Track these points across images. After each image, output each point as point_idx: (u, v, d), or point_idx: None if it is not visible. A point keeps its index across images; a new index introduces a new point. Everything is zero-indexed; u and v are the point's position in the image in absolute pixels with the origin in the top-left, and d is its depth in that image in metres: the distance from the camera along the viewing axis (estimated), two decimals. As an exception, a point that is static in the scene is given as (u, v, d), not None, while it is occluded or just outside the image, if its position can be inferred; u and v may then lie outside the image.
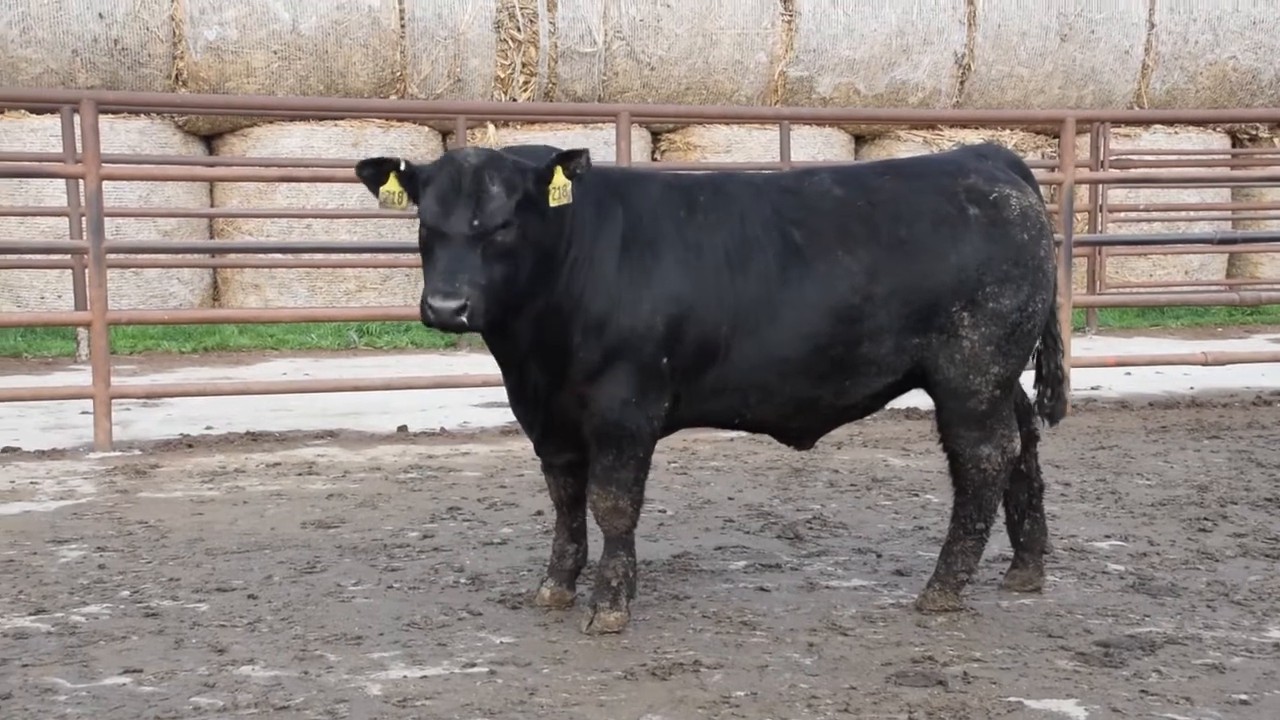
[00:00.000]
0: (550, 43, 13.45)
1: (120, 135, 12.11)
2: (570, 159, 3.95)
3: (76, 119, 7.88)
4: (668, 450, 7.06)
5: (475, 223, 3.83)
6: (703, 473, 6.55)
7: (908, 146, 14.68)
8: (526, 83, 13.49)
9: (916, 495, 5.99)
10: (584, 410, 4.10)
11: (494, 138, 13.35)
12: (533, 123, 13.49)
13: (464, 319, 3.79)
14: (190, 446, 7.20)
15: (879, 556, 4.97)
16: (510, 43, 13.39)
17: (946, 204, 4.20)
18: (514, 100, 13.41)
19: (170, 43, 12.37)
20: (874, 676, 3.65)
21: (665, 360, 4.06)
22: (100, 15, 12.04)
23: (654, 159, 13.97)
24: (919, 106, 14.59)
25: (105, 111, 7.65)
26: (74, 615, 4.21)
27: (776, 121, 12.21)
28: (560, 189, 3.96)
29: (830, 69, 14.32)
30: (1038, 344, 4.49)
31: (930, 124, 14.42)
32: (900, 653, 3.85)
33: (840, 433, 7.60)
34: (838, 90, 14.40)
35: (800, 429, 4.43)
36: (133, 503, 5.87)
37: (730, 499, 5.95)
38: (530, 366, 4.16)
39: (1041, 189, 13.87)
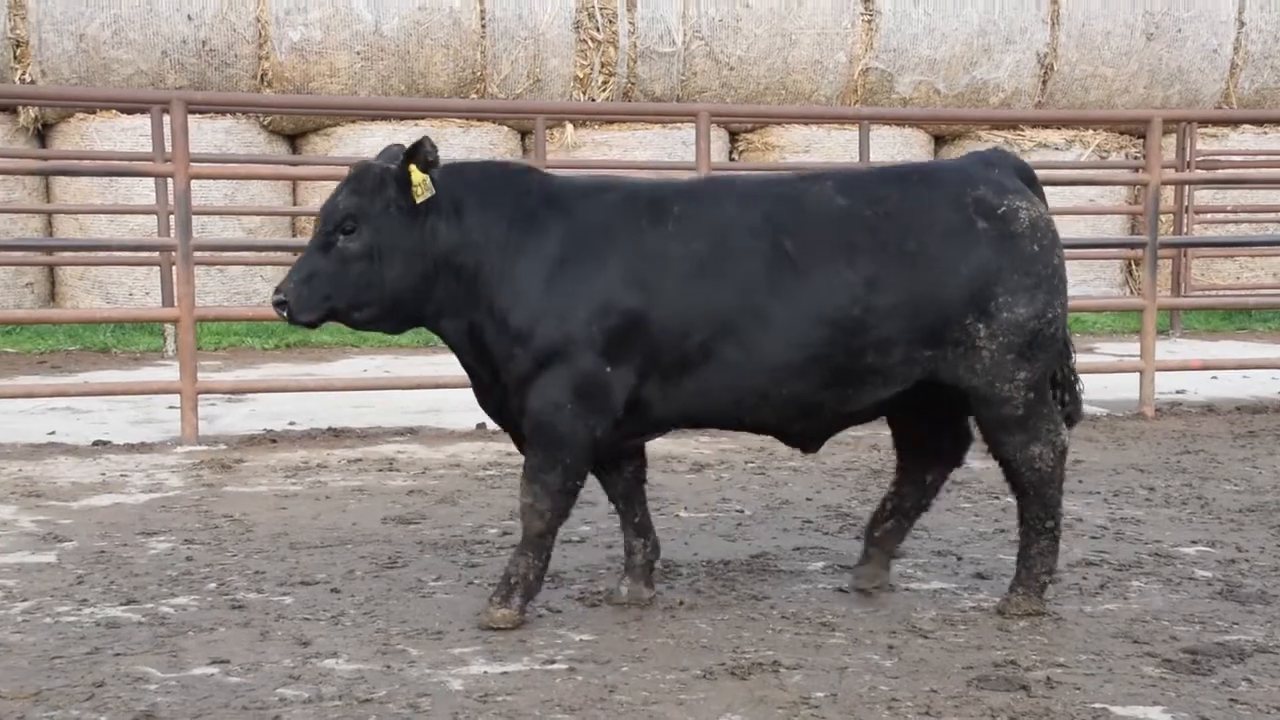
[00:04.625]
0: (629, 43, 13.47)
1: (207, 135, 12.28)
2: (416, 153, 4.08)
3: (165, 119, 8.00)
4: (744, 450, 7.05)
5: (322, 227, 4.13)
6: (780, 473, 6.53)
7: (988, 147, 14.53)
8: (605, 83, 13.51)
9: (997, 498, 5.93)
10: (521, 413, 4.14)
11: (572, 138, 13.40)
12: (611, 122, 13.52)
13: (284, 314, 4.12)
14: (274, 442, 7.29)
15: (959, 559, 4.93)
16: (589, 43, 13.43)
17: (955, 216, 4.14)
18: (592, 100, 13.44)
19: (256, 44, 12.54)
20: (955, 680, 3.62)
21: (609, 369, 4.05)
22: (189, 17, 12.23)
23: (732, 159, 13.95)
24: (1000, 107, 14.45)
25: (194, 112, 7.77)
26: (163, 606, 4.28)
27: (856, 122, 12.16)
28: (421, 184, 4.09)
29: (910, 69, 14.21)
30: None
31: (1012, 124, 14.27)
32: (982, 656, 3.82)
33: (919, 434, 7.55)
34: (918, 90, 14.30)
35: (803, 433, 4.39)
36: (218, 496, 5.96)
37: (808, 500, 5.93)
38: (483, 374, 4.24)
39: (1126, 190, 13.65)
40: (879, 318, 4.07)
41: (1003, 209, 4.15)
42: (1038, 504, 4.27)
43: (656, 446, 7.15)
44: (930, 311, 4.08)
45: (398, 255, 4.12)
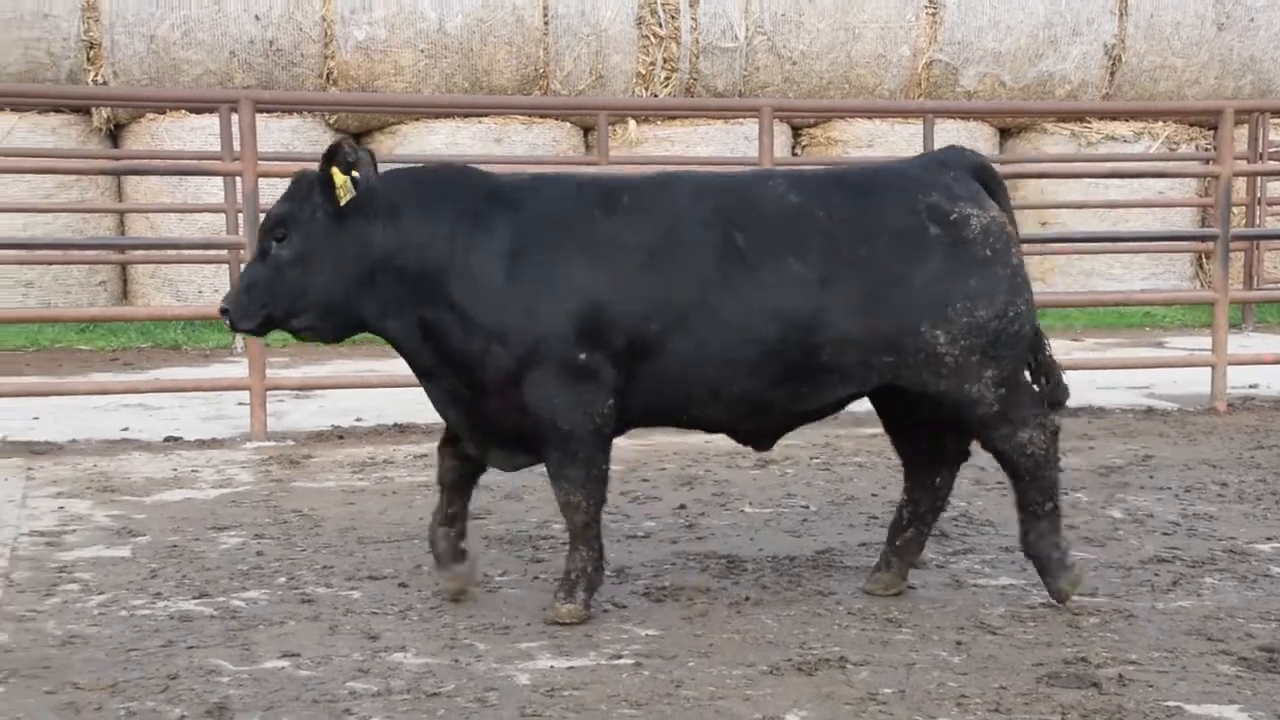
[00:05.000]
0: (691, 38, 13.45)
1: (274, 133, 12.39)
2: (334, 156, 4.11)
3: (233, 118, 8.09)
4: (809, 446, 7.02)
5: (260, 236, 4.24)
6: (845, 469, 6.50)
7: (1054, 139, 14.40)
8: (668, 78, 13.50)
9: (1065, 494, 5.83)
10: (525, 416, 4.12)
11: (634, 134, 13.41)
12: (673, 118, 13.51)
13: (228, 321, 4.23)
14: (341, 438, 7.35)
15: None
16: (652, 39, 13.42)
17: (908, 224, 4.11)
18: (655, 96, 13.43)
19: (322, 43, 12.64)
20: (1025, 677, 3.59)
21: (584, 356, 4.04)
22: (256, 17, 12.35)
23: (794, 154, 13.90)
24: (1066, 99, 14.28)
25: (261, 111, 7.85)
26: (234, 600, 4.33)
27: (919, 115, 12.06)
28: (343, 186, 4.10)
29: (975, 61, 14.09)
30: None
31: (1079, 116, 14.12)
32: (1052, 653, 3.78)
33: (986, 430, 7.49)
34: (982, 83, 14.17)
35: (755, 431, 4.36)
36: (287, 492, 6.01)
37: (874, 495, 5.90)
38: (447, 376, 4.21)
39: (1196, 182, 13.44)
40: (834, 316, 4.04)
41: (954, 216, 4.12)
42: (1034, 488, 4.24)
43: (723, 443, 7.14)
44: (885, 319, 4.05)
45: (327, 260, 4.13)
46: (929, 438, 4.43)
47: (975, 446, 4.47)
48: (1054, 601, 4.25)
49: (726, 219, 4.11)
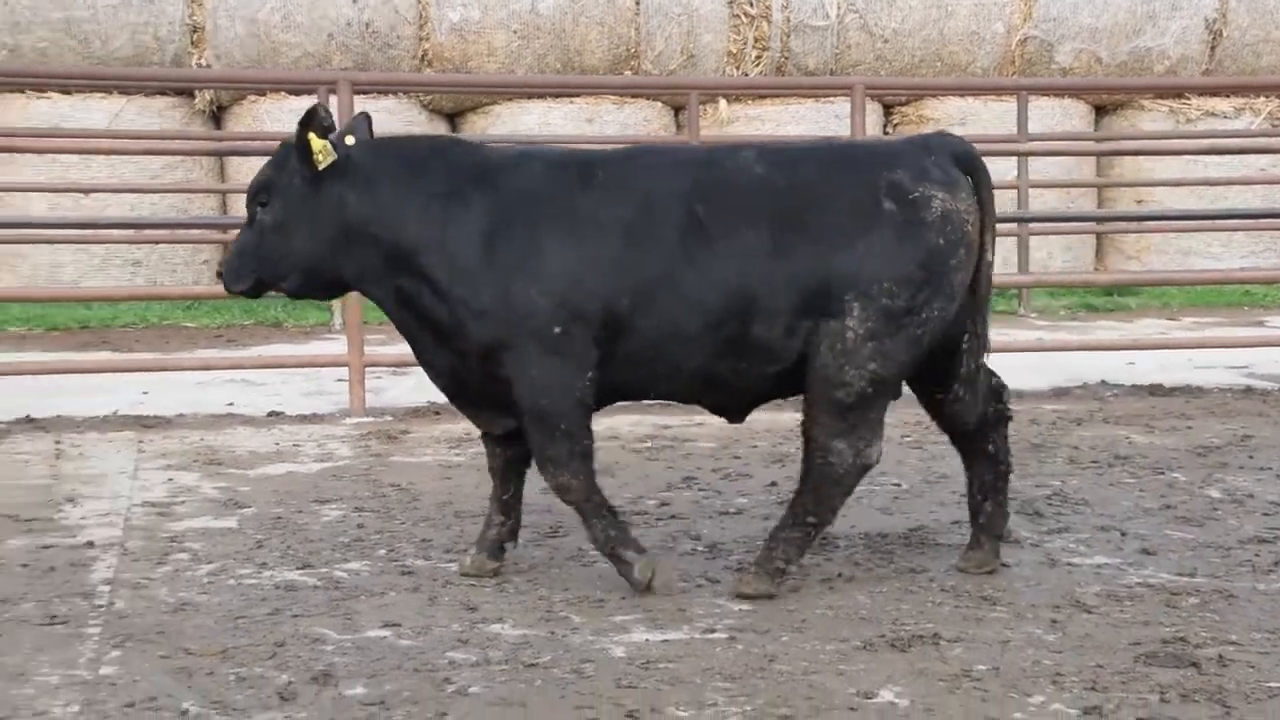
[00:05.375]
0: (783, 17, 13.36)
1: (371, 114, 12.51)
2: (311, 121, 4.12)
3: (331, 99, 8.18)
4: (900, 425, 6.97)
5: (247, 201, 4.31)
6: (937, 447, 6.43)
7: (1152, 116, 14.11)
8: (759, 58, 13.44)
9: (1162, 473, 5.79)
10: (504, 385, 4.14)
11: (725, 113, 13.36)
12: (764, 97, 13.43)
13: (224, 285, 4.35)
14: (437, 414, 7.41)
15: (1123, 534, 4.82)
16: (743, 18, 13.36)
17: (864, 194, 4.04)
18: (745, 75, 13.38)
19: (417, 25, 12.74)
20: (1122, 656, 3.55)
21: (559, 330, 4.04)
22: (354, 0, 12.47)
23: (886, 132, 13.76)
24: (1165, 75, 14.00)
25: (358, 92, 7.93)
26: (337, 571, 4.41)
27: (1014, 93, 11.91)
28: (321, 150, 4.12)
29: (1070, 38, 13.85)
30: (964, 342, 4.24)
31: (1177, 92, 13.83)
32: (1149, 633, 3.73)
33: (1080, 408, 7.41)
34: (1078, 59, 13.93)
35: (715, 405, 4.35)
36: (386, 466, 6.10)
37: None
38: (429, 340, 4.25)
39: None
40: (774, 287, 4.00)
41: (915, 195, 4.03)
42: (812, 496, 4.14)
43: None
44: (815, 282, 3.99)
45: (305, 224, 4.21)
46: (965, 408, 4.35)
47: (1012, 408, 4.48)
48: (730, 585, 4.20)
49: (693, 193, 4.10)
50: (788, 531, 4.16)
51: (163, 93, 12.35)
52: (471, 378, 4.24)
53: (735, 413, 4.40)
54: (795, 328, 4.03)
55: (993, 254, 4.20)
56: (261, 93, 12.40)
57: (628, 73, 13.19)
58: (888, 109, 13.93)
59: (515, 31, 12.85)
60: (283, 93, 12.27)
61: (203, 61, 12.35)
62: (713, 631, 3.82)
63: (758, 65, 13.43)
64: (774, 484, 5.68)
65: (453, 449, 6.48)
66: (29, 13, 11.91)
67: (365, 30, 12.57)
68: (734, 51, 13.41)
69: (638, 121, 13.18)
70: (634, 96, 13.18)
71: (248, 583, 4.29)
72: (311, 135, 4.13)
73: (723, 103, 13.29)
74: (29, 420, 7.02)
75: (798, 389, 4.19)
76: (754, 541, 4.76)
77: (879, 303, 3.98)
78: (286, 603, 4.07)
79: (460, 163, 4.28)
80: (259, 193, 4.26)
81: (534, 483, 5.63)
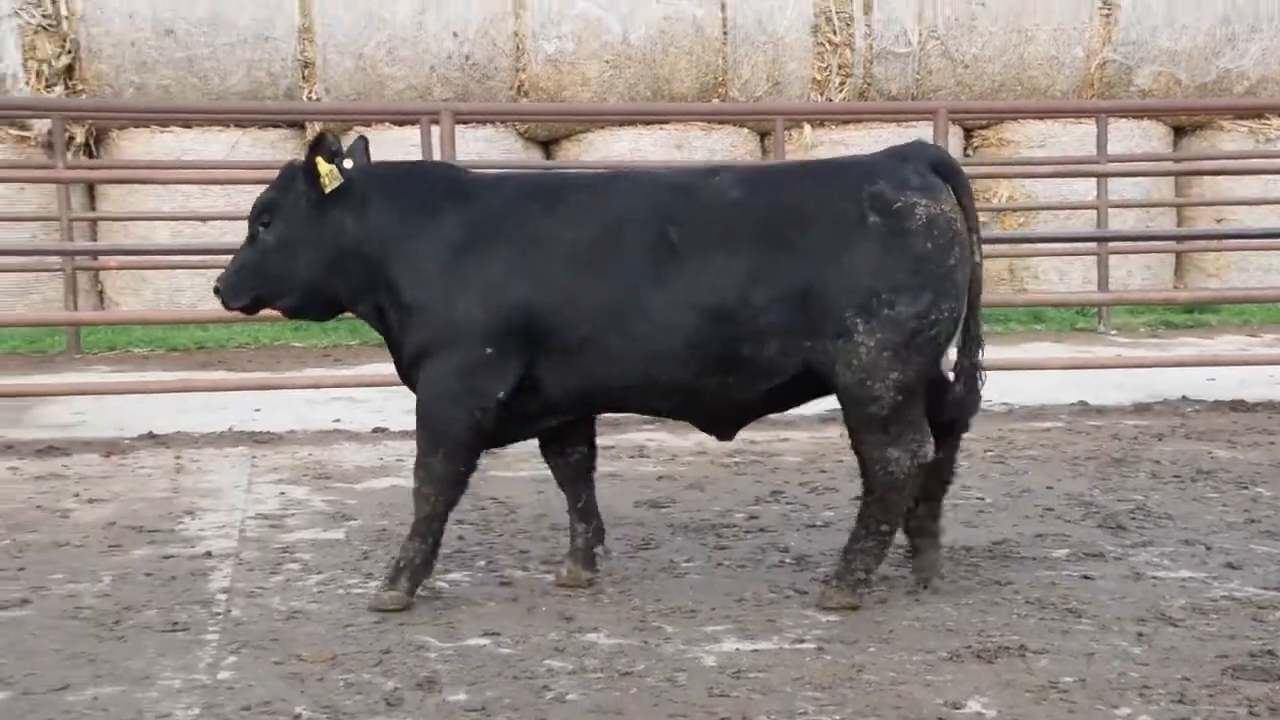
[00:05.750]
0: (866, 44, 13.30)
1: (468, 143, 12.60)
2: (319, 146, 4.15)
3: (433, 130, 8.26)
4: (983, 439, 6.89)
5: (250, 221, 4.31)
6: (1019, 461, 6.36)
7: (1231, 137, 13.82)
8: (842, 84, 13.38)
9: (1245, 488, 5.65)
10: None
11: (810, 138, 13.31)
12: (847, 122, 13.35)
13: (220, 300, 4.38)
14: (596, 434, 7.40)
15: (1208, 549, 4.70)
16: (827, 46, 13.31)
17: (848, 209, 3.97)
18: (829, 101, 13.32)
19: (514, 57, 12.83)
20: (1209, 669, 3.47)
21: (490, 351, 4.02)
22: (455, 34, 12.60)
23: (966, 155, 13.62)
24: (1245, 95, 13.71)
25: (459, 121, 8.01)
26: (439, 581, 4.42)
27: (1093, 115, 11.75)
28: (328, 174, 4.16)
29: (1150, 61, 13.62)
30: (956, 341, 4.17)
31: (1257, 113, 13.53)
32: (1236, 645, 3.64)
33: (1161, 424, 7.26)
34: (1157, 82, 13.69)
35: (704, 421, 4.29)
36: (484, 480, 6.10)
37: (1049, 488, 5.76)
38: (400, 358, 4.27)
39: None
40: (758, 307, 3.95)
41: (899, 204, 3.96)
42: (879, 505, 4.08)
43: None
44: (809, 303, 3.94)
45: (308, 245, 4.24)
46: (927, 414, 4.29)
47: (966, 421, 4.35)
48: (814, 597, 4.16)
49: (665, 217, 4.06)
50: (862, 543, 4.12)
51: (276, 125, 12.54)
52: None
53: (727, 427, 4.34)
54: (791, 346, 3.99)
55: (980, 256, 4.15)
56: (367, 124, 12.55)
57: (715, 100, 13.19)
58: (968, 132, 13.79)
59: (607, 62, 12.91)
60: (386, 123, 12.40)
61: (313, 95, 12.53)
62: (802, 642, 3.79)
63: (841, 91, 13.37)
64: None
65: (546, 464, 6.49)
66: (155, 53, 12.18)
67: (465, 62, 12.69)
68: (818, 78, 13.36)
69: (725, 147, 13.16)
70: (721, 123, 13.16)
71: (355, 592, 4.32)
72: (319, 159, 4.19)
73: (807, 128, 13.24)
74: (151, 436, 7.15)
75: (793, 404, 4.25)
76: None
77: (882, 314, 3.93)
78: (392, 612, 4.09)
79: (438, 183, 4.32)
80: (262, 212, 4.30)
81: (627, 497, 5.66)
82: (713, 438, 4.43)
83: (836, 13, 13.23)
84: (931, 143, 4.27)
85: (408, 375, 4.28)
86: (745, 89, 13.24)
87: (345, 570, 4.59)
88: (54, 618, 4.06)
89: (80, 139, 12.27)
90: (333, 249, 4.23)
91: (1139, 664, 3.52)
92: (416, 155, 10.87)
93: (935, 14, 13.32)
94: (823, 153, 13.13)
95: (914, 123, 12.81)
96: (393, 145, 12.57)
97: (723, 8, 13.04)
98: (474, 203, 4.21)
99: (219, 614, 4.09)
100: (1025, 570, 4.48)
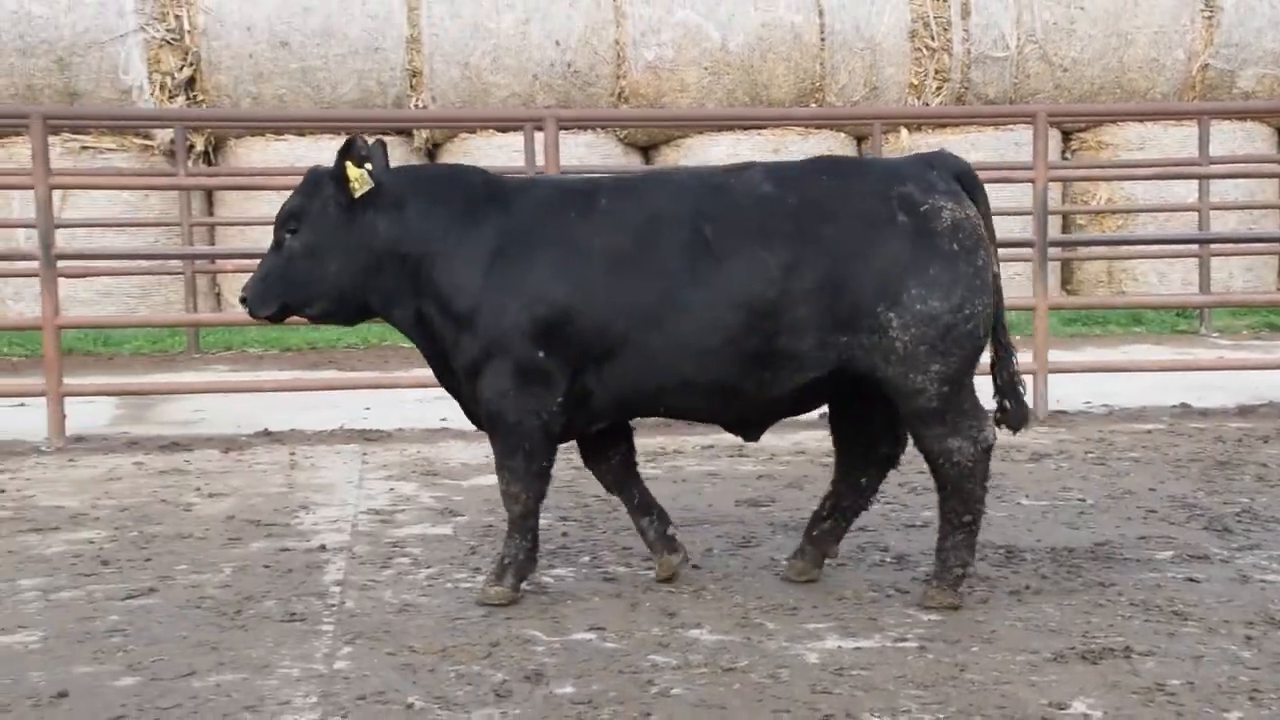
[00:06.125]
0: (963, 49, 13.14)
1: (570, 148, 12.65)
2: (349, 151, 4.10)
3: (536, 136, 8.30)
4: (1083, 441, 6.77)
5: (276, 228, 4.24)
6: (1121, 463, 6.23)
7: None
8: (939, 88, 13.24)
9: (1347, 494, 5.48)
10: (474, 398, 4.14)
11: (907, 142, 13.18)
12: (944, 126, 13.20)
13: (247, 310, 4.26)
14: (633, 429, 7.43)
15: (1316, 553, 4.57)
16: (924, 50, 13.17)
17: (877, 208, 3.96)
18: (927, 105, 13.19)
19: (615, 64, 12.88)
20: (1320, 674, 3.37)
21: (541, 355, 3.99)
22: (557, 43, 12.68)
23: (1064, 158, 13.40)
24: (1351, 95, 13.33)
25: (562, 128, 8.04)
26: (544, 576, 4.44)
27: (1195, 117, 11.49)
28: (358, 179, 4.10)
29: (1253, 63, 13.29)
30: (989, 354, 4.17)
31: (1363, 112, 13.16)
32: (1347, 651, 3.54)
33: (1266, 426, 7.07)
34: (1260, 84, 13.35)
35: (735, 420, 4.25)
36: (587, 478, 6.08)
37: (1152, 490, 5.63)
38: (439, 363, 4.23)
39: None
40: (794, 301, 3.92)
41: (925, 207, 3.97)
42: (956, 498, 4.02)
43: (999, 436, 6.94)
44: (842, 297, 3.92)
45: (338, 250, 4.18)
46: (866, 439, 4.30)
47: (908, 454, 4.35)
48: (921, 602, 4.09)
49: (700, 214, 4.04)
50: (951, 539, 4.09)
51: (385, 132, 12.66)
52: (471, 399, 4.23)
53: (756, 428, 4.34)
54: (829, 341, 3.98)
55: (998, 266, 4.14)
56: (472, 130, 12.68)
57: (813, 105, 13.12)
58: (1066, 135, 13.57)
59: (706, 68, 12.90)
60: (491, 130, 12.52)
61: (420, 103, 12.68)
62: (904, 640, 3.74)
63: (938, 96, 13.22)
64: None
65: (648, 462, 6.49)
66: (270, 64, 12.41)
67: (567, 70, 12.76)
68: (915, 83, 13.23)
69: (821, 151, 13.04)
70: (818, 127, 13.09)
71: (463, 586, 4.35)
72: (349, 164, 4.15)
73: (904, 132, 13.11)
74: (267, 433, 7.28)
75: (819, 404, 4.25)
76: (941, 554, 4.66)
77: (915, 309, 3.93)
78: (499, 606, 4.12)
79: (477, 187, 4.28)
80: (289, 219, 4.24)
81: (728, 495, 5.64)
82: (741, 438, 4.41)
83: (934, 18, 13.09)
84: (951, 153, 4.28)
85: (457, 380, 4.26)
86: (842, 94, 13.16)
87: (453, 565, 4.62)
88: (179, 606, 4.15)
89: (200, 147, 12.55)
90: (365, 253, 4.18)
91: (1249, 668, 3.43)
92: (519, 162, 10.98)
93: (1034, 18, 13.12)
94: (920, 157, 12.99)
95: (1012, 126, 12.66)
96: (496, 151, 12.74)
97: (820, 14, 12.97)
98: (514, 207, 4.19)
99: (334, 606, 4.14)
100: (1129, 572, 4.38)
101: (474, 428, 4.45)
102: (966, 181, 4.15)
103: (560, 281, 4.04)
